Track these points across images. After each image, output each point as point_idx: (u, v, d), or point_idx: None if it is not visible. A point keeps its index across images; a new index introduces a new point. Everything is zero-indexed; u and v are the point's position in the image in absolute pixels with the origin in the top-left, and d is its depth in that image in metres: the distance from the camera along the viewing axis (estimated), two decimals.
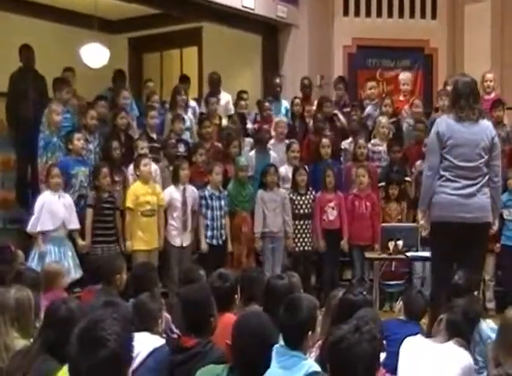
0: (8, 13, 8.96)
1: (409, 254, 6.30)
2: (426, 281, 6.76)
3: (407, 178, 7.36)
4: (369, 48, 10.13)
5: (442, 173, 4.65)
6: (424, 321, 4.39)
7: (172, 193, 6.77)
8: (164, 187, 6.86)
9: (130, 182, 6.79)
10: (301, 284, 4.42)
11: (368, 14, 10.15)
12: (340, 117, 8.31)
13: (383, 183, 7.40)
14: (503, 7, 9.86)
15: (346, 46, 10.07)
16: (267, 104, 8.42)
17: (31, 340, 3.14)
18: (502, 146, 7.32)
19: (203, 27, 10.73)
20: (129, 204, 6.47)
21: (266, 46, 10.03)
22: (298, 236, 7.19)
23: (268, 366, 2.89)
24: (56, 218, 6.05)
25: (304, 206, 7.22)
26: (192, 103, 8.51)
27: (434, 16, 10.22)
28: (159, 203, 6.62)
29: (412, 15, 10.21)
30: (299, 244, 7.18)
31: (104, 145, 6.94)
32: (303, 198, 7.23)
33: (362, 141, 7.46)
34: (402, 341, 3.37)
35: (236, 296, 4.05)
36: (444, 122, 4.70)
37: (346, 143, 7.93)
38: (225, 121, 8.29)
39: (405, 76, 8.80)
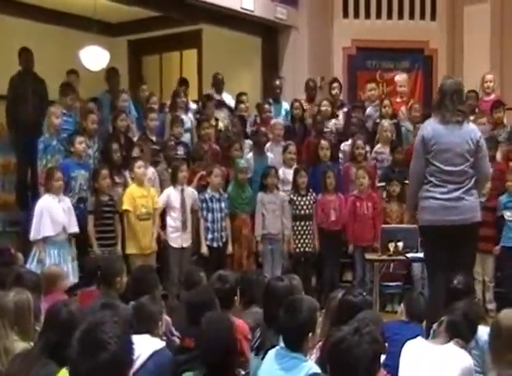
0: (7, 16, 8.97)
1: (409, 255, 6.31)
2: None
3: (407, 182, 7.35)
4: (368, 49, 10.13)
5: (429, 178, 4.68)
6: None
7: (171, 194, 6.77)
8: (163, 190, 6.86)
9: (129, 184, 6.79)
10: (301, 286, 4.41)
11: (367, 16, 10.16)
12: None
13: (383, 183, 7.41)
14: (503, 8, 9.86)
15: (345, 48, 10.07)
16: (266, 106, 8.43)
17: (31, 343, 3.14)
18: (502, 146, 7.43)
19: (202, 29, 10.73)
20: (127, 206, 6.46)
21: (266, 48, 10.04)
22: (299, 237, 7.20)
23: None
24: (57, 223, 6.03)
25: (304, 207, 7.23)
26: (192, 105, 8.52)
27: (433, 18, 10.22)
28: (154, 206, 6.61)
29: (411, 16, 10.21)
30: (299, 246, 7.19)
31: (104, 147, 6.93)
32: (303, 199, 7.24)
33: (360, 142, 7.47)
34: (404, 342, 3.37)
35: (236, 297, 4.06)
36: (429, 126, 4.73)
37: (345, 145, 7.94)
38: (221, 125, 8.31)
39: (401, 78, 8.79)
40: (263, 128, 7.94)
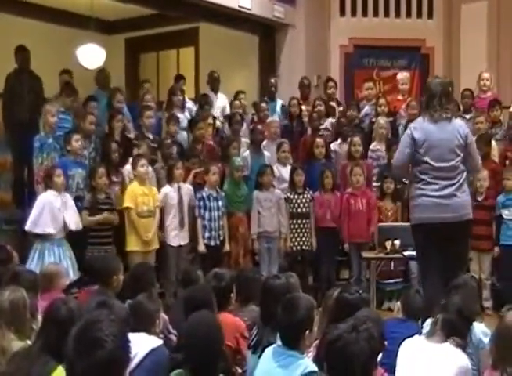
0: (4, 14, 8.95)
1: (405, 253, 6.32)
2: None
3: (404, 180, 7.36)
4: (365, 47, 10.15)
5: (421, 176, 4.69)
6: None
7: (167, 192, 6.77)
8: (160, 188, 6.86)
9: (127, 182, 6.79)
10: (299, 284, 4.42)
11: (364, 14, 10.16)
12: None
13: (379, 183, 7.42)
14: (500, 7, 9.88)
15: (343, 46, 10.08)
16: (263, 105, 8.44)
17: (28, 341, 3.13)
18: (499, 144, 7.44)
19: (199, 27, 10.73)
20: (129, 203, 6.46)
21: (263, 46, 10.04)
22: (296, 235, 7.21)
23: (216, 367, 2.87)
24: (57, 220, 6.01)
25: (301, 205, 7.24)
26: (189, 104, 8.51)
27: (430, 16, 10.24)
28: (155, 204, 6.61)
29: (408, 14, 10.22)
30: (296, 244, 7.20)
31: (102, 147, 6.93)
32: (300, 197, 7.25)
33: (356, 139, 7.46)
34: (400, 340, 3.37)
35: (232, 295, 4.06)
36: (418, 125, 4.76)
37: (335, 145, 7.95)
38: (218, 123, 8.31)
39: (403, 76, 8.80)
40: (260, 127, 7.94)
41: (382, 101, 8.22)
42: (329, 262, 7.30)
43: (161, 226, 6.72)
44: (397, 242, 6.42)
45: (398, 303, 4.34)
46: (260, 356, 3.31)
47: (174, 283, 6.46)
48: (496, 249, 6.85)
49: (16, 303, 3.27)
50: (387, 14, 10.18)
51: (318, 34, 9.90)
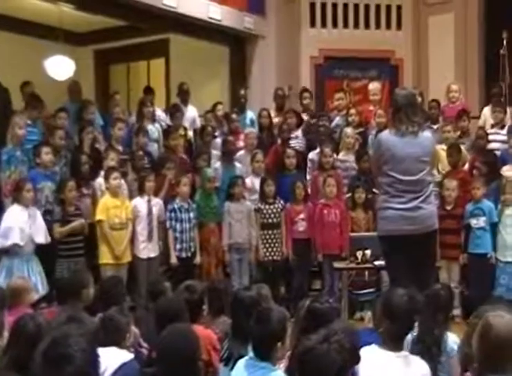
0: None
1: (376, 263, 6.34)
2: None
3: (375, 190, 7.40)
4: (336, 58, 10.21)
5: (387, 189, 4.74)
6: None
7: (138, 204, 6.75)
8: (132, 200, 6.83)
9: (98, 195, 6.73)
10: (271, 295, 4.41)
11: (334, 25, 10.24)
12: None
13: (350, 194, 7.45)
14: (466, 18, 10.05)
15: (313, 57, 10.14)
16: (234, 116, 8.45)
17: None
18: (466, 155, 7.54)
19: (170, 38, 10.72)
20: (101, 216, 6.42)
21: (233, 58, 10.07)
22: (267, 245, 7.20)
23: None
24: (25, 233, 5.93)
25: (272, 215, 7.24)
26: (160, 115, 8.49)
27: (399, 27, 10.36)
28: (128, 216, 6.57)
29: (377, 26, 10.32)
30: (268, 254, 7.20)
31: (72, 159, 6.87)
32: (271, 207, 7.26)
33: (327, 150, 7.49)
34: None
35: (204, 307, 4.04)
36: (385, 138, 4.81)
37: (313, 154, 7.97)
38: (190, 134, 8.29)
39: (374, 86, 8.88)
40: (231, 138, 7.94)
41: (352, 111, 8.28)
42: (302, 273, 7.30)
43: (131, 238, 6.68)
44: (368, 252, 6.45)
45: (369, 313, 4.35)
46: (232, 369, 3.29)
47: (144, 296, 6.40)
48: (462, 256, 6.92)
49: None
50: (356, 25, 10.26)
51: (288, 45, 9.96)
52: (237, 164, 7.74)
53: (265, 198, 7.28)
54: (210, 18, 8.90)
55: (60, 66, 8.84)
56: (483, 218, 6.84)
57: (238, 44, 9.97)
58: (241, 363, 3.18)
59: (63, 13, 8.82)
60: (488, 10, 10.00)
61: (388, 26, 10.33)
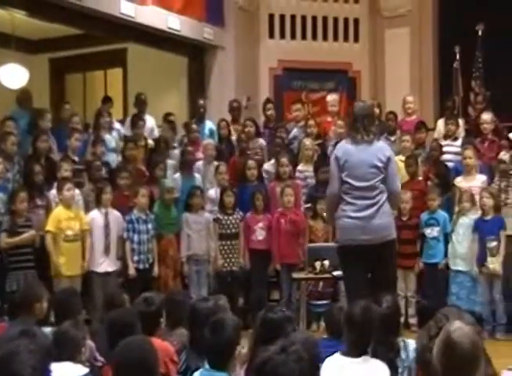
0: None
1: (334, 273, 6.36)
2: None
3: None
4: (294, 70, 10.28)
5: (344, 197, 4.80)
6: None
7: (95, 217, 6.64)
8: (88, 211, 6.72)
9: (53, 206, 6.60)
10: (228, 306, 4.37)
11: (293, 37, 10.32)
12: None
13: (309, 204, 7.47)
14: (421, 32, 10.25)
15: (272, 68, 10.19)
16: (194, 126, 8.41)
17: None
18: (422, 166, 7.65)
19: (127, 48, 10.63)
20: (50, 227, 6.30)
21: (192, 68, 10.03)
22: (225, 256, 7.18)
23: None
24: None
25: (231, 226, 7.22)
26: (117, 125, 8.40)
27: (356, 40, 10.49)
28: (82, 228, 6.47)
29: (335, 38, 10.43)
30: (226, 265, 7.17)
31: (25, 169, 6.72)
32: (230, 218, 7.24)
33: (284, 159, 7.52)
34: (324, 359, 3.36)
35: (161, 319, 3.99)
36: (341, 147, 4.92)
37: (268, 165, 7.98)
38: (151, 142, 8.22)
39: (332, 98, 8.97)
40: (191, 148, 7.89)
41: (311, 122, 8.34)
42: (261, 283, 7.28)
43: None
44: (326, 262, 6.47)
45: (323, 323, 4.36)
46: None
47: (100, 309, 6.28)
48: (418, 264, 7.01)
49: None
50: (315, 37, 10.36)
51: (247, 56, 9.98)
52: (196, 175, 7.70)
53: (224, 209, 7.26)
54: (170, 28, 8.85)
55: (14, 75, 8.66)
56: (437, 228, 6.96)
57: (197, 54, 9.95)
58: (196, 374, 3.15)
59: (16, 20, 8.64)
60: (441, 25, 10.22)
61: (346, 38, 10.46)
